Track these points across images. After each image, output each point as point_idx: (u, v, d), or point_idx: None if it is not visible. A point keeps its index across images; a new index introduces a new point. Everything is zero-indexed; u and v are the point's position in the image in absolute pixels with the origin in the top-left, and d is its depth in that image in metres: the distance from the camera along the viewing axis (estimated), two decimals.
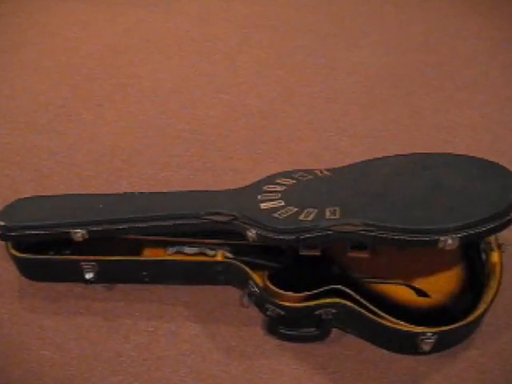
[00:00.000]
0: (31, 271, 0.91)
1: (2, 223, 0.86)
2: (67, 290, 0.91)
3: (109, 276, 0.89)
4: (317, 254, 0.85)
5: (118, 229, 0.85)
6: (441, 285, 0.82)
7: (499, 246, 0.84)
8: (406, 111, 1.25)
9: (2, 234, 0.86)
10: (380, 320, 0.78)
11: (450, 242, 0.72)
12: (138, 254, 0.90)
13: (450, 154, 0.92)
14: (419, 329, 0.76)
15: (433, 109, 1.25)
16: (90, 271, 0.87)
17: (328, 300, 0.80)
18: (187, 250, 0.90)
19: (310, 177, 0.91)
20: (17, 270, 0.92)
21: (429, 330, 0.76)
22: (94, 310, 0.88)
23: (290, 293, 0.80)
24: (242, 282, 0.87)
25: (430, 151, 0.94)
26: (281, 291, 0.80)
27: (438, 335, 0.76)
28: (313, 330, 0.82)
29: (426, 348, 0.77)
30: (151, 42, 1.47)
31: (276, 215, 0.81)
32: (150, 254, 0.90)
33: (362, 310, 0.78)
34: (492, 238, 0.85)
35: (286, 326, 0.83)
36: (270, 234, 0.79)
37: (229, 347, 0.83)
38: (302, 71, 1.37)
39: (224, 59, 1.41)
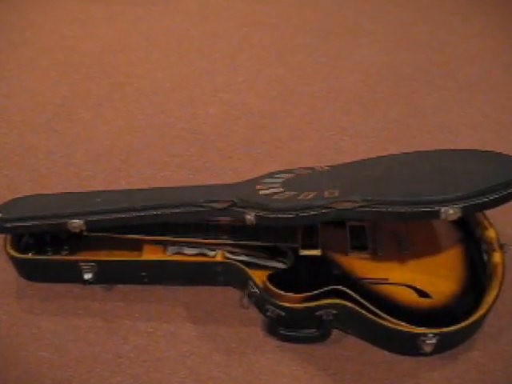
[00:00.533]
0: (29, 272, 0.91)
1: None
2: (66, 291, 0.90)
3: (108, 277, 0.89)
4: (317, 254, 0.85)
5: (116, 218, 0.83)
6: (442, 286, 0.81)
7: (501, 247, 0.84)
8: (408, 110, 1.24)
9: None
10: (381, 321, 0.77)
11: (451, 212, 0.72)
12: (137, 254, 0.90)
13: (448, 149, 0.94)
14: (420, 330, 0.76)
15: (435, 108, 1.25)
16: (88, 272, 0.87)
17: (328, 301, 0.79)
18: (187, 250, 0.89)
19: (310, 171, 0.92)
20: (15, 270, 0.91)
21: (430, 331, 0.75)
22: (93, 311, 0.87)
23: (290, 293, 0.80)
24: (241, 282, 0.86)
25: None
26: (281, 292, 0.80)
27: (439, 336, 0.75)
28: (313, 330, 0.82)
29: (428, 349, 0.77)
30: (150, 40, 1.47)
31: (275, 198, 0.81)
32: (149, 255, 0.89)
33: (363, 311, 0.78)
34: (494, 239, 0.85)
35: (286, 327, 0.82)
36: (269, 214, 0.78)
37: (229, 348, 0.83)
38: (302, 70, 1.36)
39: (224, 58, 1.40)
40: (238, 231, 0.88)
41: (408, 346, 0.79)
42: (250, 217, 0.79)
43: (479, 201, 0.72)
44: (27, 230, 0.86)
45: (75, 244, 0.90)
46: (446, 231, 0.89)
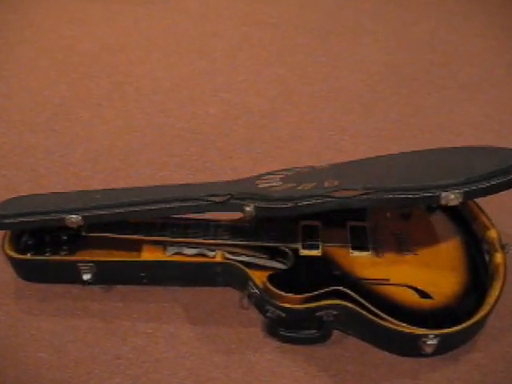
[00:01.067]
0: (28, 272, 0.90)
1: None
2: (64, 292, 0.89)
3: (107, 277, 0.88)
4: (318, 254, 0.85)
5: (115, 213, 0.82)
6: (444, 286, 0.81)
7: (503, 247, 0.83)
8: (409, 110, 1.24)
9: None
10: (382, 322, 0.77)
11: (452, 197, 0.71)
12: (137, 254, 0.89)
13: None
14: (421, 331, 0.75)
15: (435, 108, 1.24)
16: (87, 272, 0.86)
17: (329, 301, 0.79)
18: (186, 250, 0.88)
19: (310, 169, 0.92)
20: (13, 271, 0.90)
21: (431, 332, 0.75)
22: (92, 312, 0.87)
23: (290, 294, 0.79)
24: (241, 283, 0.86)
25: None
26: (281, 292, 0.79)
27: (440, 337, 0.75)
28: (314, 331, 0.81)
29: (429, 350, 0.76)
30: (149, 39, 1.46)
31: (274, 189, 0.81)
32: (148, 255, 0.88)
33: (364, 312, 0.77)
34: (495, 239, 0.84)
35: (286, 328, 0.82)
36: (268, 204, 0.78)
37: (228, 349, 0.82)
38: (303, 70, 1.36)
39: (224, 57, 1.40)
40: (237, 231, 0.87)
41: (409, 347, 0.78)
42: (249, 208, 0.79)
43: (481, 186, 0.72)
44: (25, 225, 0.85)
45: (74, 244, 0.90)
46: (448, 231, 0.89)
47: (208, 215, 0.96)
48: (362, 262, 0.84)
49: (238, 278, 0.86)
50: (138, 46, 1.44)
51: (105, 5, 1.58)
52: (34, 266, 0.89)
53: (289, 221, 0.89)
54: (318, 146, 1.16)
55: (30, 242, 0.90)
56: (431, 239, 0.87)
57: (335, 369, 0.80)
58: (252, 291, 0.83)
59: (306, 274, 0.83)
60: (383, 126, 1.20)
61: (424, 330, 0.75)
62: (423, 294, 0.80)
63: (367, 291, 0.80)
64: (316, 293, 0.79)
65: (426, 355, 0.78)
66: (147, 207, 0.82)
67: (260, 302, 0.83)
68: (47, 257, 0.88)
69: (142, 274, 0.88)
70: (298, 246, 0.86)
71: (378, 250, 0.86)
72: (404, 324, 0.76)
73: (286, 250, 0.86)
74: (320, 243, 0.86)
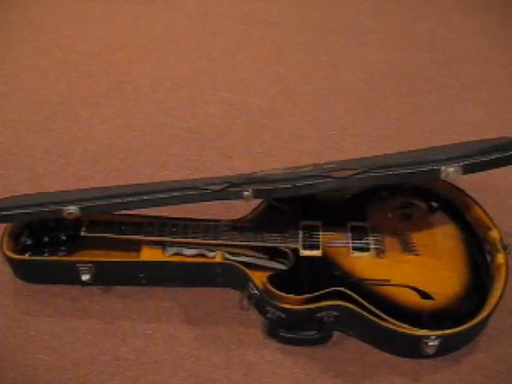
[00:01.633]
0: (26, 273, 0.90)
1: None
2: (63, 292, 0.89)
3: (105, 278, 0.88)
4: (318, 255, 0.84)
5: (112, 204, 0.81)
6: (445, 287, 0.80)
7: (504, 248, 0.83)
8: (410, 109, 1.23)
9: None
10: (383, 323, 0.76)
11: (451, 169, 0.71)
12: (136, 255, 0.88)
13: None
14: (423, 332, 0.75)
15: (437, 107, 1.24)
16: (86, 273, 0.86)
17: (329, 302, 0.78)
18: (186, 251, 0.88)
19: (310, 166, 0.92)
20: (11, 271, 0.90)
21: (433, 333, 0.74)
22: (91, 313, 0.86)
23: (290, 295, 0.79)
24: (241, 283, 0.85)
25: None
26: (281, 293, 0.79)
27: (441, 338, 0.74)
28: (314, 332, 0.81)
29: (430, 351, 0.76)
30: (149, 38, 1.46)
31: (274, 173, 0.82)
32: (147, 256, 0.88)
33: (365, 313, 0.77)
34: (497, 240, 0.84)
35: (286, 329, 0.81)
36: (266, 186, 0.78)
37: (228, 350, 0.82)
38: (303, 69, 1.35)
39: (223, 56, 1.40)
40: (237, 232, 0.87)
41: (410, 348, 0.78)
42: (247, 193, 0.78)
43: (480, 159, 0.72)
44: (22, 217, 0.84)
45: (73, 245, 0.89)
46: (449, 232, 0.88)
47: (208, 215, 0.96)
48: (363, 263, 0.83)
49: (237, 279, 0.85)
50: (137, 45, 1.43)
51: (104, 4, 1.57)
52: (33, 267, 0.88)
53: (289, 221, 0.88)
54: (318, 145, 1.16)
55: (28, 242, 0.89)
56: (432, 239, 0.87)
57: (336, 370, 0.79)
58: (252, 292, 0.82)
59: (307, 274, 0.82)
60: (384, 125, 1.20)
61: (425, 331, 0.75)
62: (424, 295, 0.79)
63: (368, 292, 0.79)
64: (316, 293, 0.78)
65: (428, 356, 0.77)
66: (145, 197, 0.81)
67: (260, 303, 0.83)
68: (46, 257, 0.88)
69: (142, 275, 0.88)
70: (299, 246, 0.85)
71: (378, 250, 0.85)
72: (405, 325, 0.75)
73: (286, 250, 0.85)
74: (320, 243, 0.85)
